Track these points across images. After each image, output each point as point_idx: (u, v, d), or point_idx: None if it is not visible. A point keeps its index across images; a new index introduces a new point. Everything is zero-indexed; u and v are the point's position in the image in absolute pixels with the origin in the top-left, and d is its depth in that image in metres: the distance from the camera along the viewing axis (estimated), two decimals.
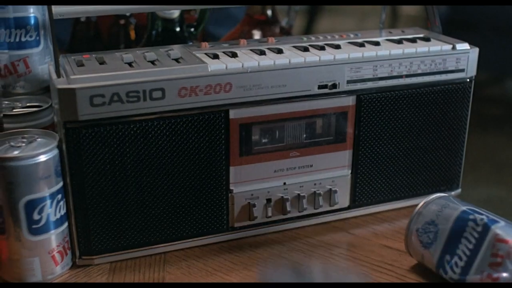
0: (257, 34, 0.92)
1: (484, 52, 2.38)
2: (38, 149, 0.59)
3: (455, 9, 2.54)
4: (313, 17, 4.23)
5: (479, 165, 2.54)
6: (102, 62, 0.64)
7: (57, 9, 0.62)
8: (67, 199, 0.61)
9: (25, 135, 0.62)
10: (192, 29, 0.87)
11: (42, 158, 0.58)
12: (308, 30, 4.15)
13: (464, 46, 0.74)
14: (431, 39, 0.75)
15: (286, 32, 0.94)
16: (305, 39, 0.74)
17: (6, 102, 0.73)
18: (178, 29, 0.83)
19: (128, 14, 0.99)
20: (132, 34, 0.98)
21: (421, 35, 0.77)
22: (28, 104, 0.74)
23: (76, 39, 1.01)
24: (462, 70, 0.73)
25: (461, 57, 0.73)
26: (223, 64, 0.63)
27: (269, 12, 0.93)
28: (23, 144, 0.60)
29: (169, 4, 0.69)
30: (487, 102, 3.14)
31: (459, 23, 2.52)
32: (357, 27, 4.80)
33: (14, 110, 0.71)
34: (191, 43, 0.85)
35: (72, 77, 0.59)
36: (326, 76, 0.67)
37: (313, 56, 0.67)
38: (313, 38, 0.74)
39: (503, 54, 2.59)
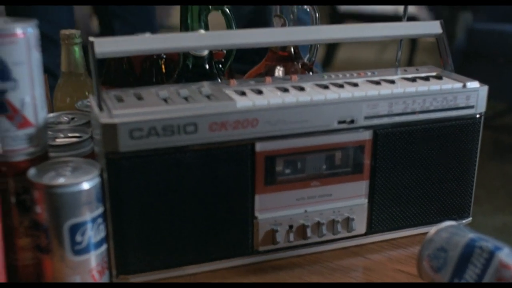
0: (280, 70, 0.97)
1: (500, 82, 2.47)
2: (81, 177, 0.65)
3: (472, 41, 2.60)
4: (333, 47, 4.30)
5: (496, 193, 2.57)
6: (139, 97, 0.70)
7: (99, 50, 0.68)
8: (107, 223, 0.67)
9: (70, 164, 0.68)
10: (220, 65, 0.93)
11: (85, 186, 0.64)
12: (328, 60, 4.22)
13: (474, 84, 0.79)
14: (443, 77, 0.81)
15: (308, 68, 1.00)
16: (325, 77, 0.80)
17: (50, 132, 0.79)
18: (207, 65, 0.90)
19: (163, 55, 1.06)
20: (164, 69, 1.04)
21: (434, 73, 0.83)
22: (69, 135, 0.80)
23: (110, 71, 1.07)
24: (472, 107, 0.79)
25: (471, 95, 0.78)
26: (250, 101, 0.69)
27: (291, 49, 0.99)
28: (68, 172, 0.66)
29: (200, 44, 0.75)
30: (504, 131, 3.17)
31: (475, 54, 2.57)
32: (376, 58, 4.85)
33: (58, 140, 0.78)
34: (219, 78, 0.91)
35: (114, 112, 0.65)
36: (345, 112, 0.72)
37: (333, 94, 0.72)
38: (333, 76, 0.80)
39: None
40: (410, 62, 4.00)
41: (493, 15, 2.72)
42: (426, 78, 0.80)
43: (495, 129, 3.03)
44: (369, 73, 0.82)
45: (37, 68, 0.67)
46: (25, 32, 0.65)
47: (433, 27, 0.85)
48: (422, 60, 4.71)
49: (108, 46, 0.70)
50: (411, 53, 4.00)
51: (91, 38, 0.69)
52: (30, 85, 0.67)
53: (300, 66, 1.00)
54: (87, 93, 1.01)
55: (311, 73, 1.00)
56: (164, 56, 1.06)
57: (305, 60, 1.01)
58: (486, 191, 2.56)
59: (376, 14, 3.90)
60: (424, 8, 5.53)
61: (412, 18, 3.88)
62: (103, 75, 1.09)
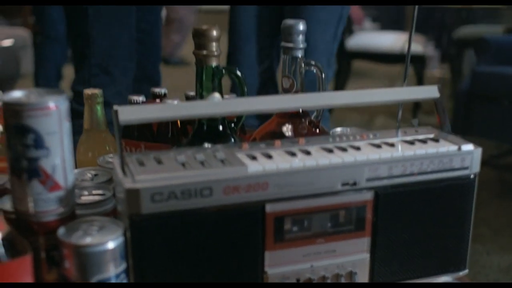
0: (289, 127, 1.04)
1: (505, 123, 2.55)
2: (107, 236, 0.71)
3: (476, 83, 2.66)
4: (342, 85, 4.37)
5: (501, 232, 2.61)
6: (159, 161, 0.76)
7: (123, 118, 0.75)
8: (129, 278, 0.73)
9: (96, 223, 0.75)
10: (233, 125, 1.00)
11: (111, 245, 0.70)
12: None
13: (469, 147, 0.85)
14: (440, 140, 0.87)
15: (315, 125, 1.06)
16: (330, 139, 0.86)
17: (76, 190, 0.86)
18: (220, 126, 0.96)
19: None
20: (179, 124, 1.11)
21: (432, 135, 0.89)
22: (93, 192, 0.87)
23: (129, 126, 1.14)
24: (466, 168, 0.85)
25: (466, 157, 0.85)
26: (260, 165, 0.75)
27: (300, 109, 1.05)
28: (94, 232, 0.73)
29: (215, 112, 0.82)
30: (510, 170, 3.22)
31: (480, 96, 2.64)
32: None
33: (83, 198, 0.84)
34: (232, 137, 0.97)
35: (136, 177, 0.71)
36: (348, 175, 0.79)
37: (337, 158, 0.79)
38: (337, 139, 0.86)
39: None
40: (416, 105, 4.06)
41: (497, 58, 2.79)
42: (424, 141, 0.86)
43: (500, 168, 3.08)
44: (371, 135, 0.88)
45: (67, 136, 0.74)
46: (57, 105, 0.72)
47: (431, 92, 0.91)
48: (427, 103, 4.77)
49: (131, 114, 0.76)
50: (419, 82, 4.07)
51: (115, 107, 0.76)
52: (61, 152, 0.73)
53: (307, 123, 1.06)
54: (107, 148, 1.07)
55: (317, 130, 1.06)
56: None
57: (312, 117, 1.07)
58: (491, 230, 2.61)
59: (383, 53, 3.97)
60: (431, 45, 5.61)
61: (419, 57, 3.96)
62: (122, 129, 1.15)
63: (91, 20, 1.78)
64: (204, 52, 0.93)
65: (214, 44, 0.93)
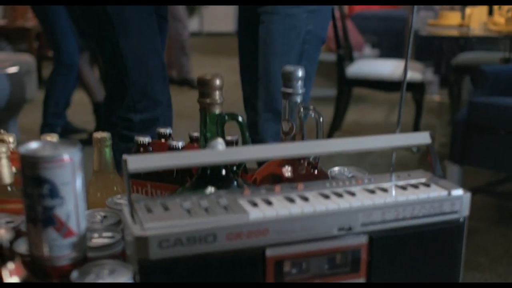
0: (288, 169, 1.09)
1: (501, 153, 2.60)
2: (117, 279, 0.76)
3: (473, 113, 2.71)
4: (342, 111, 4.42)
5: (499, 260, 2.65)
6: (166, 208, 0.81)
7: (132, 166, 0.80)
8: None
9: (107, 266, 0.80)
10: (235, 168, 1.05)
11: None
12: (337, 123, 4.35)
13: (458, 192, 0.90)
14: (431, 184, 0.92)
15: (313, 166, 1.11)
16: (327, 184, 0.91)
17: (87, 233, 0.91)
18: (223, 170, 1.01)
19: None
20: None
21: (423, 180, 0.94)
22: (103, 234, 0.92)
23: None
24: (456, 212, 0.90)
25: (455, 202, 0.89)
26: (261, 212, 0.80)
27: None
28: (106, 275, 0.77)
29: (219, 160, 0.87)
30: (507, 198, 3.27)
31: (477, 126, 2.69)
32: (384, 120, 4.98)
33: (93, 241, 0.89)
34: (235, 180, 1.02)
35: (145, 225, 0.76)
36: (344, 221, 0.83)
37: (333, 204, 0.84)
38: (334, 184, 0.91)
39: None
40: (416, 125, 4.11)
41: (494, 88, 2.85)
42: (416, 186, 0.91)
43: (498, 196, 3.13)
44: (366, 180, 0.93)
45: (80, 185, 0.79)
46: (71, 157, 0.77)
47: (424, 138, 0.96)
48: (428, 123, 4.83)
49: (139, 163, 0.81)
50: (417, 116, 4.12)
51: (124, 157, 0.81)
52: (74, 200, 0.78)
53: (306, 164, 1.11)
54: (115, 188, 1.13)
55: (316, 171, 1.12)
56: None
57: (311, 159, 1.12)
58: (488, 258, 2.65)
59: (383, 80, 4.03)
60: (430, 71, 5.68)
61: (418, 84, 4.02)
62: None
63: (124, 54, 1.89)
64: (208, 100, 0.98)
65: (217, 92, 0.98)
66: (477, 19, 3.79)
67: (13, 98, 4.04)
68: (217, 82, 0.98)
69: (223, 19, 11.99)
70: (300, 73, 1.08)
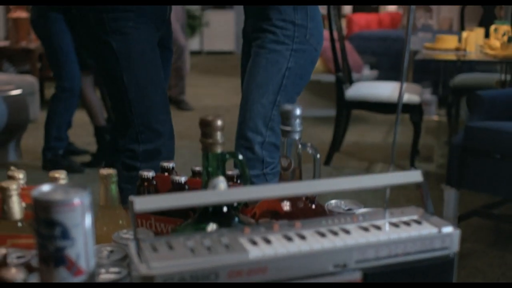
0: (287, 203, 1.14)
1: (497, 176, 2.65)
2: None
3: (469, 137, 2.76)
4: (342, 132, 4.47)
5: (496, 282, 2.69)
6: (171, 247, 0.86)
7: (138, 207, 0.85)
8: None
9: None
10: (235, 204, 1.10)
11: None
12: (337, 144, 4.39)
13: (448, 229, 0.95)
14: (423, 222, 0.97)
15: (311, 200, 1.16)
16: (324, 222, 0.96)
17: None
18: (225, 207, 1.06)
19: (186, 187, 1.23)
20: None
21: (415, 217, 0.99)
22: (110, 270, 0.96)
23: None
24: (446, 248, 0.94)
25: (445, 238, 0.94)
26: (260, 251, 0.85)
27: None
28: None
29: (221, 200, 0.92)
30: (504, 220, 3.31)
31: (473, 150, 2.74)
32: (383, 140, 5.03)
33: (101, 277, 0.94)
34: (236, 216, 1.07)
35: (151, 264, 0.81)
36: (339, 258, 0.88)
37: (329, 242, 0.88)
38: (330, 221, 0.96)
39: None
40: (414, 146, 4.16)
41: (490, 113, 2.90)
42: (408, 223, 0.96)
43: (495, 218, 3.17)
44: (360, 218, 0.98)
45: (89, 225, 0.84)
46: (82, 200, 0.82)
47: (415, 176, 1.01)
48: (426, 143, 4.88)
49: (145, 204, 0.86)
50: (415, 137, 4.17)
51: (130, 198, 0.86)
52: (84, 240, 0.83)
53: (304, 198, 1.16)
54: (121, 222, 1.17)
55: (313, 205, 1.16)
56: (188, 188, 1.23)
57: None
58: (485, 280, 2.69)
59: (381, 103, 4.09)
60: (428, 92, 5.74)
61: (415, 106, 4.07)
62: None
63: (128, 87, 1.97)
64: (210, 140, 1.03)
65: (219, 133, 1.03)
66: (473, 42, 3.84)
67: (16, 120, 4.10)
68: (219, 123, 1.03)
69: (223, 38, 12.09)
70: (298, 111, 1.13)
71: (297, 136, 1.14)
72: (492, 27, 4.03)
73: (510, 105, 2.97)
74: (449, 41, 3.95)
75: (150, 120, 2.03)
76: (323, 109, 5.88)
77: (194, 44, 11.57)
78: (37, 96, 5.67)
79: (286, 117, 1.14)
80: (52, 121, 4.10)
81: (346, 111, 4.31)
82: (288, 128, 1.13)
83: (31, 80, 5.59)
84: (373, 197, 3.45)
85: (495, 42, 3.74)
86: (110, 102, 2.18)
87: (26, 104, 4.23)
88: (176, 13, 6.11)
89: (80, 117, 4.58)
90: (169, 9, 2.15)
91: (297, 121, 1.14)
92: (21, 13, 6.15)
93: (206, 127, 1.03)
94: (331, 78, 5.03)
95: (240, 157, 1.09)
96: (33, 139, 4.64)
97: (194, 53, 11.31)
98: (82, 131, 4.95)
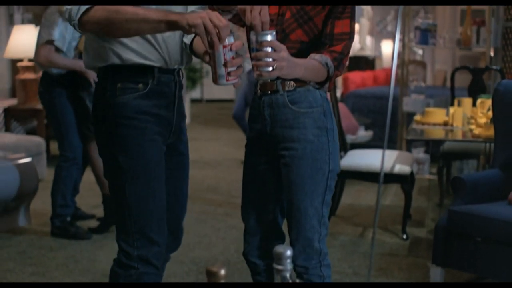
0: None
1: (479, 257, 2.93)
2: None
3: (452, 221, 2.98)
4: (338, 195, 4.67)
5: None
6: None
7: None
8: None
9: None
10: None
11: None
12: (332, 208, 4.59)
13: None
14: None
15: None
16: None
17: None
18: None
19: None
20: None
21: None
22: None
23: None
24: None
25: None
26: None
27: None
28: None
29: None
30: None
31: (456, 232, 2.95)
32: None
33: None
34: None
35: None
36: None
37: None
38: None
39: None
40: (405, 213, 4.37)
41: (472, 196, 3.12)
42: None
43: None
44: None
45: None
46: None
47: None
48: (418, 206, 5.08)
49: None
50: (407, 205, 4.38)
51: None
52: None
53: None
54: None
55: None
56: None
57: None
58: None
59: (374, 172, 4.29)
60: (421, 151, 5.96)
61: (406, 177, 4.28)
62: None
63: (129, 197, 2.19)
64: None
65: (223, 281, 1.24)
66: (460, 118, 4.07)
67: (26, 187, 4.28)
68: (222, 272, 1.24)
69: (222, 87, 12.34)
70: (289, 252, 1.34)
71: (287, 274, 1.35)
72: (479, 101, 4.26)
73: (490, 187, 3.20)
74: (438, 115, 4.17)
75: (146, 229, 2.23)
76: None
77: (195, 92, 11.85)
78: (43, 156, 5.88)
79: (279, 258, 1.35)
80: (58, 189, 4.31)
81: (341, 182, 4.53)
82: (280, 267, 1.34)
83: (38, 141, 5.81)
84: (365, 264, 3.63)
85: (481, 118, 3.97)
86: (111, 196, 2.35)
87: (36, 172, 4.42)
88: None
89: (86, 177, 4.72)
90: (175, 122, 2.34)
91: (288, 260, 1.35)
92: (29, 75, 6.40)
93: (211, 277, 1.24)
94: None
95: None
96: (41, 199, 4.75)
97: (194, 101, 11.58)
98: (89, 193, 5.13)
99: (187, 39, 2.31)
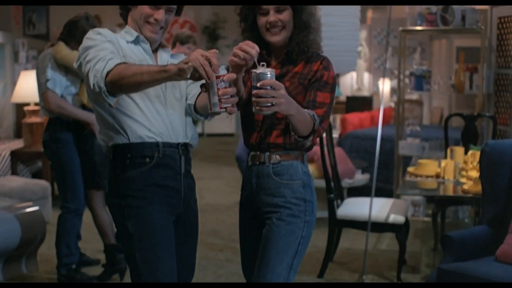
0: None
1: None
2: None
3: (441, 278, 3.13)
4: (336, 239, 4.81)
5: None
6: None
7: None
8: None
9: None
10: None
11: None
12: (331, 251, 4.73)
13: None
14: None
15: None
16: None
17: None
18: None
19: None
20: None
21: None
22: None
23: None
24: None
25: None
26: None
27: None
28: None
29: None
30: None
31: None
32: (373, 247, 5.36)
33: None
34: None
35: None
36: None
37: None
38: None
39: None
40: (400, 262, 4.51)
41: (461, 253, 3.28)
42: None
43: None
44: None
45: None
46: None
47: None
48: (413, 250, 5.22)
49: None
50: (401, 254, 4.52)
51: None
52: None
53: None
54: None
55: None
56: None
57: None
58: None
59: (371, 221, 4.45)
60: (421, 199, 6.11)
61: (400, 226, 4.43)
62: None
63: (139, 264, 2.39)
64: None
65: None
66: (451, 171, 4.24)
67: (32, 235, 4.41)
68: None
69: (223, 122, 12.52)
70: None
71: None
72: (470, 152, 4.43)
73: (479, 243, 3.35)
74: (430, 167, 4.34)
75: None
76: (318, 212, 6.21)
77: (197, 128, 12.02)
78: (49, 199, 6.03)
79: None
80: (62, 240, 4.41)
81: (337, 230, 4.69)
82: None
83: (44, 184, 5.97)
84: None
85: (471, 170, 4.13)
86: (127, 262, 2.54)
87: (43, 220, 4.55)
88: None
89: (91, 220, 4.76)
90: (184, 192, 2.54)
91: None
92: (35, 119, 6.58)
93: None
94: (322, 183, 5.31)
95: None
96: (46, 244, 4.84)
97: None
98: (93, 237, 5.24)
99: (191, 100, 2.53)
